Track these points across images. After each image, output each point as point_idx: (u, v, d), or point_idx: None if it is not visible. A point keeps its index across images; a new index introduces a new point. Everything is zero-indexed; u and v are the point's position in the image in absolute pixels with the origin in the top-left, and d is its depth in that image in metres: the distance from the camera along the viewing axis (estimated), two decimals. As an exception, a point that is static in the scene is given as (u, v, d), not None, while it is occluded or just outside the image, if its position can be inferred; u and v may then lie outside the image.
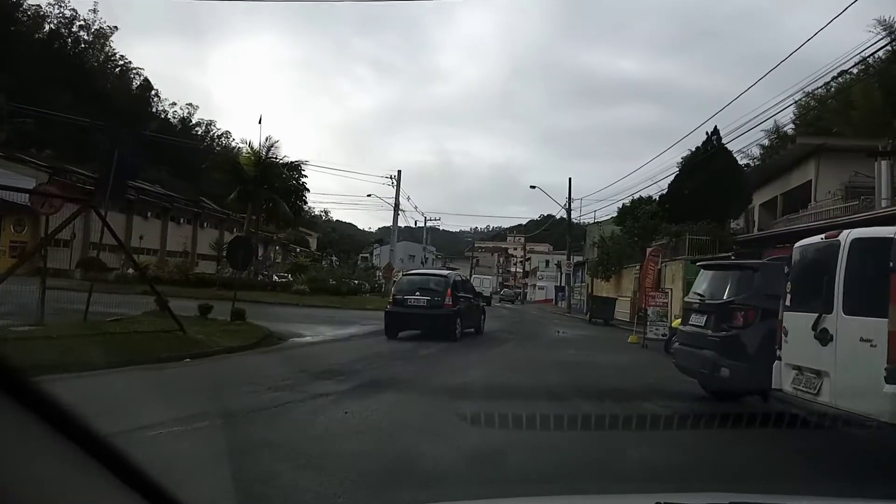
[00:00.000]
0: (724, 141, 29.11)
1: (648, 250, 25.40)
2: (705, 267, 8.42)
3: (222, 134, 78.93)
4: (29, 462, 0.86)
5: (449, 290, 15.17)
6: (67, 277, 35.94)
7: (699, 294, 7.92)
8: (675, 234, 26.72)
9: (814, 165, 25.70)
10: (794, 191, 27.87)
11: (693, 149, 30.40)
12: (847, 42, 55.79)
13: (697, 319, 7.69)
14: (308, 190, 35.53)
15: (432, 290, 15.42)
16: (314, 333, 15.40)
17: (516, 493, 3.86)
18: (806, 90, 26.57)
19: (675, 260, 25.84)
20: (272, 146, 31.25)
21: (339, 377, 8.81)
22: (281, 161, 32.34)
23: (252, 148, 31.80)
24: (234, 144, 66.01)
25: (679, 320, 15.21)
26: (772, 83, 50.73)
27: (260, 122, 64.99)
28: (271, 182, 30.53)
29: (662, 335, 16.56)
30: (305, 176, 34.99)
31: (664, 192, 31.75)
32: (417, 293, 15.32)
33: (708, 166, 28.23)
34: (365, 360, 10.64)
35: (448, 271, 23.03)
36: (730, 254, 21.43)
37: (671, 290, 18.57)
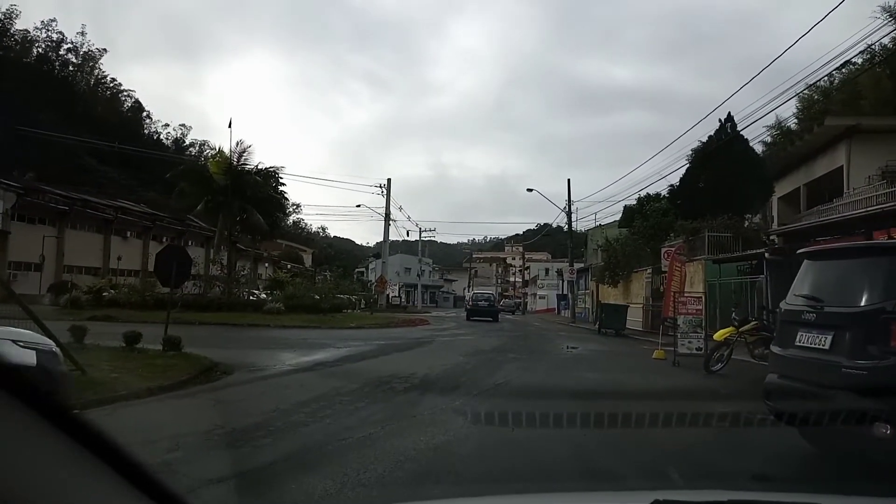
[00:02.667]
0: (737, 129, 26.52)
1: (664, 250, 22.61)
2: (812, 255, 5.42)
3: (216, 154, 76.63)
4: (32, 461, 0.85)
5: (495, 298, 38.85)
6: (36, 303, 33.22)
7: (811, 297, 5.01)
8: (692, 231, 23.91)
9: (844, 150, 22.95)
10: (820, 180, 25.12)
11: (705, 139, 27.77)
12: (841, 42, 53.60)
13: (814, 338, 4.79)
14: (286, 199, 32.73)
15: (488, 298, 35.64)
16: (272, 362, 12.52)
17: None
18: (808, 83, 24.11)
19: (693, 260, 23.07)
20: (244, 152, 28.44)
21: (263, 438, 5.95)
22: (255, 169, 29.52)
23: (222, 154, 29.02)
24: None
25: (723, 332, 12.48)
26: (771, 84, 48.37)
27: (230, 126, 61.69)
28: (244, 191, 27.65)
29: (697, 349, 13.70)
30: (283, 184, 32.15)
31: (674, 185, 29.01)
32: (482, 300, 34.60)
33: (723, 156, 25.55)
34: (315, 404, 7.75)
35: (492, 290, 49.45)
36: (763, 250, 18.65)
37: (704, 294, 15.68)
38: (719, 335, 12.07)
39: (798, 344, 4.96)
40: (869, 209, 15.80)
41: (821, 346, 4.70)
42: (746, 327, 11.93)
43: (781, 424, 5.84)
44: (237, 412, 7.39)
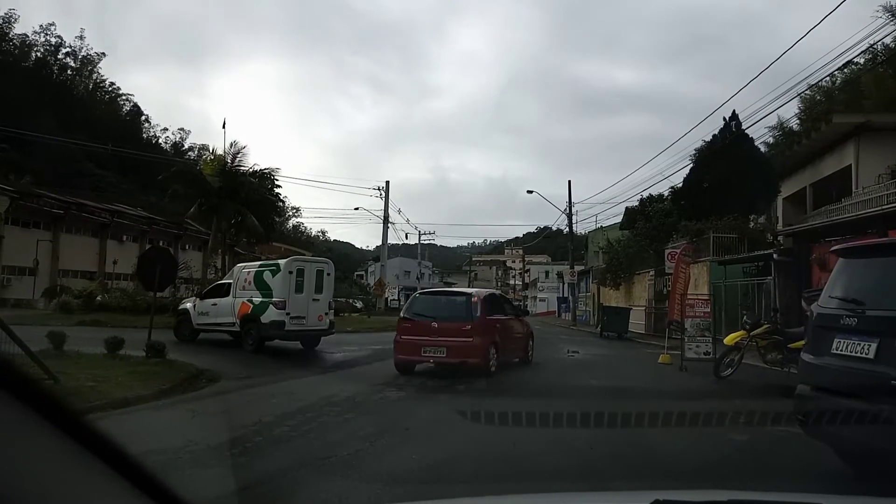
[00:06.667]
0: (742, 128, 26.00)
1: (668, 251, 22.06)
2: (849, 253, 4.79)
3: (215, 158, 76.17)
4: (33, 462, 0.86)
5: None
6: (30, 307, 32.57)
7: (849, 300, 4.44)
8: (696, 233, 23.37)
9: (853, 148, 22.40)
10: (827, 179, 24.57)
11: (708, 139, 27.25)
12: (843, 42, 53.10)
13: (855, 346, 4.23)
14: (282, 202, 32.11)
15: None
16: (260, 369, 11.98)
17: None
18: (810, 83, 23.71)
19: (697, 261, 22.53)
20: (238, 153, 27.87)
21: (239, 457, 5.42)
22: (250, 170, 28.94)
23: (216, 155, 28.49)
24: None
25: (734, 335, 11.91)
26: (773, 85, 47.67)
27: (224, 127, 61.50)
28: (238, 193, 27.05)
29: (705, 354, 13.14)
30: (279, 186, 31.59)
31: (675, 186, 28.51)
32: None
33: (728, 155, 25.02)
34: (301, 416, 7.19)
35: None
36: (771, 251, 18.11)
37: (712, 296, 15.11)
38: (730, 339, 11.49)
39: (835, 352, 4.39)
40: (884, 208, 15.24)
41: (864, 355, 4.14)
42: (758, 331, 11.36)
43: (807, 437, 5.31)
44: (216, 425, 6.84)
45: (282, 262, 15.88)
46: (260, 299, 14.89)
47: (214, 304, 15.78)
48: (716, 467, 5.36)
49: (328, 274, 16.13)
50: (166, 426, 6.95)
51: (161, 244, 52.54)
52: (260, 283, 15.09)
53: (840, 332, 4.38)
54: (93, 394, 8.57)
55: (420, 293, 15.01)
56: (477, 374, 10.63)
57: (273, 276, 14.99)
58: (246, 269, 16.05)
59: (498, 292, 17.74)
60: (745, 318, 12.31)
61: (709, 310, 13.56)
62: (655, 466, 5.40)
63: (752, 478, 4.92)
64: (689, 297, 14.06)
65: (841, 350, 4.33)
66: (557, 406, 7.30)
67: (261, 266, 16.06)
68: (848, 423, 4.15)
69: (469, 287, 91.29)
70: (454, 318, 11.43)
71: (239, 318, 15.14)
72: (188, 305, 16.43)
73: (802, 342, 10.20)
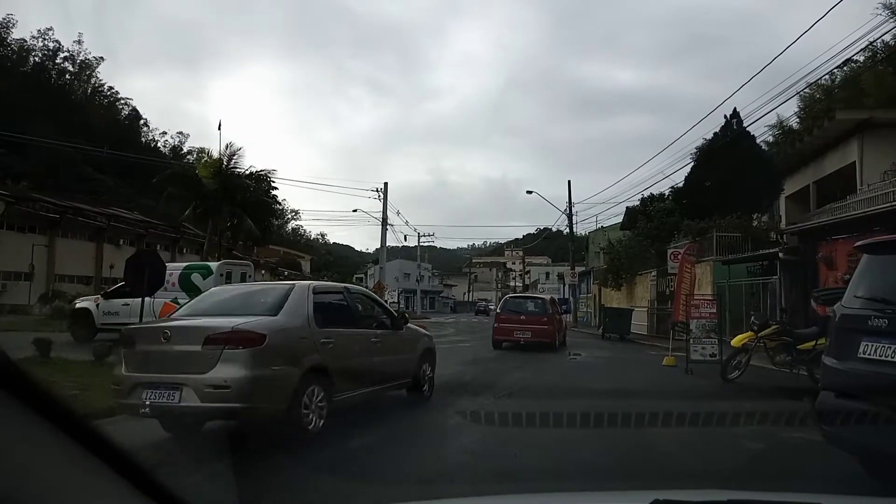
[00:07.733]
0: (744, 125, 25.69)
1: (671, 251, 21.74)
2: (874, 248, 4.36)
3: (211, 160, 75.95)
4: (33, 462, 0.86)
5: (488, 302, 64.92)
6: (25, 313, 32.20)
7: (877, 299, 4.08)
8: (699, 232, 23.05)
9: (857, 145, 22.10)
10: (830, 177, 24.27)
11: (709, 137, 26.94)
12: (842, 39, 52.94)
13: (885, 349, 3.85)
14: (279, 204, 31.94)
15: (486, 301, 67.24)
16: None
17: None
18: (809, 81, 23.50)
19: (700, 261, 22.21)
20: (234, 154, 27.59)
21: (218, 467, 5.06)
22: (246, 172, 28.66)
23: (211, 157, 28.22)
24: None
25: (741, 337, 11.56)
26: (772, 83, 47.42)
27: (220, 129, 61.13)
28: (234, 195, 26.77)
29: (711, 356, 12.80)
30: (276, 188, 31.31)
31: (676, 185, 28.21)
32: (481, 303, 68.30)
33: (729, 153, 24.72)
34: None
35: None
36: (776, 250, 17.77)
37: (716, 297, 14.76)
38: (737, 340, 11.16)
39: (862, 356, 4.05)
40: (893, 204, 14.92)
41: (895, 360, 3.80)
42: (766, 332, 11.02)
43: (821, 443, 4.99)
44: (195, 436, 6.49)
45: (213, 264, 16.62)
46: (187, 300, 14.94)
47: (126, 305, 15.23)
48: (727, 474, 5.05)
49: (249, 276, 17.38)
50: (154, 436, 6.60)
51: (158, 248, 52.15)
52: (187, 285, 15.17)
53: (867, 334, 4.04)
54: (77, 403, 8.25)
55: (510, 297, 21.46)
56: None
57: (204, 279, 15.34)
58: (168, 271, 16.18)
59: (555, 297, 24.97)
60: (752, 318, 11.98)
61: (715, 310, 13.22)
62: (662, 471, 5.11)
63: (761, 484, 4.62)
64: (694, 297, 13.73)
65: (869, 354, 3.99)
66: (560, 413, 7.00)
67: (186, 268, 16.35)
68: (876, 432, 3.81)
69: (468, 286, 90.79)
70: (535, 313, 17.99)
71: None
72: (88, 305, 16.19)
73: (811, 343, 9.99)
